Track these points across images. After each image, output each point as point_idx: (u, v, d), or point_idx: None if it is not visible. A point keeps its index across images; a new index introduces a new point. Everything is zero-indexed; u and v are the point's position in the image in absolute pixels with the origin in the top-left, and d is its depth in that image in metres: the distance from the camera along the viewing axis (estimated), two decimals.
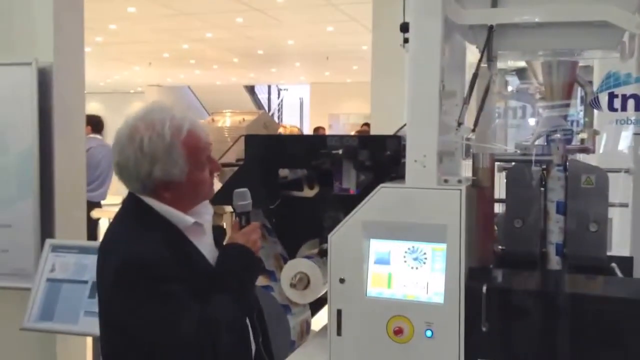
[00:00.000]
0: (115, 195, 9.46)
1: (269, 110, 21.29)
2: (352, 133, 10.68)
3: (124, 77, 16.54)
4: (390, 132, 2.46)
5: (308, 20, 9.06)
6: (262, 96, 22.01)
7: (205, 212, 1.71)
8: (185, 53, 12.46)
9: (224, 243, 1.76)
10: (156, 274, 1.47)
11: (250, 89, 20.69)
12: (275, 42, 11.22)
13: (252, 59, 13.37)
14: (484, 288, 1.94)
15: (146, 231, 1.55)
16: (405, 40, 2.11)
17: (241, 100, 19.47)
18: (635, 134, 2.44)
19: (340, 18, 8.64)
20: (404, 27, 2.09)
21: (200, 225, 1.66)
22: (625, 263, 2.36)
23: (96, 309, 1.60)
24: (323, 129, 13.24)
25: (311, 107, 19.09)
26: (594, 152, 2.27)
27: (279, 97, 22.63)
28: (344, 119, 18.32)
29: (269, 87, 22.12)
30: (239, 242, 1.69)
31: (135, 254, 1.49)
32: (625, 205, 2.45)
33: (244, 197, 1.76)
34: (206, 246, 1.68)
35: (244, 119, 9.51)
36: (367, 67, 14.86)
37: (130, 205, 1.63)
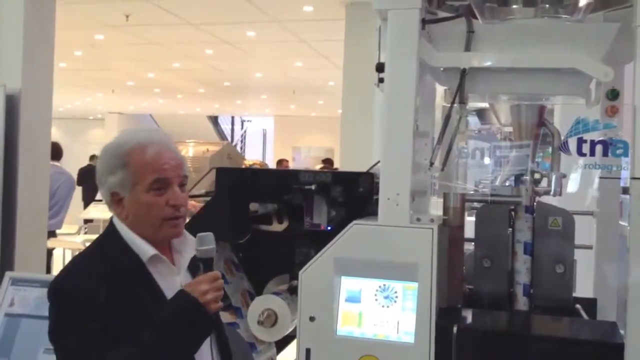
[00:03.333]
0: (71, 225, 9.23)
1: (232, 141, 21.23)
2: (317, 167, 10.73)
3: (85, 103, 16.30)
4: (358, 167, 2.47)
5: (278, 55, 9.13)
6: (225, 127, 21.96)
7: (185, 249, 1.63)
8: (150, 82, 12.37)
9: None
10: (75, 306, 1.44)
11: (214, 119, 20.63)
12: (243, 75, 11.25)
13: (219, 90, 13.37)
14: (455, 329, 1.94)
15: (96, 259, 1.53)
16: (380, 80, 2.14)
17: (204, 130, 19.38)
18: (600, 177, 2.51)
19: (310, 54, 8.74)
20: (380, 67, 2.12)
21: (161, 259, 1.56)
22: (589, 304, 2.40)
23: None
24: (286, 161, 13.28)
25: (275, 139, 19.14)
26: (560, 194, 2.32)
27: (242, 128, 22.62)
28: (305, 151, 18.43)
29: (232, 117, 22.10)
30: (186, 290, 1.49)
31: (63, 282, 1.50)
32: (589, 247, 2.50)
33: (204, 241, 1.54)
34: (174, 285, 1.56)
35: (207, 150, 9.46)
36: (333, 102, 15.06)
37: (106, 228, 1.61)
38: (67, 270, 1.55)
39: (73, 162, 14.62)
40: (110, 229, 1.58)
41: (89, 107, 17.09)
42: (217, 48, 8.62)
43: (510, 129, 4.07)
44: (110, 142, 1.60)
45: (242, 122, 22.47)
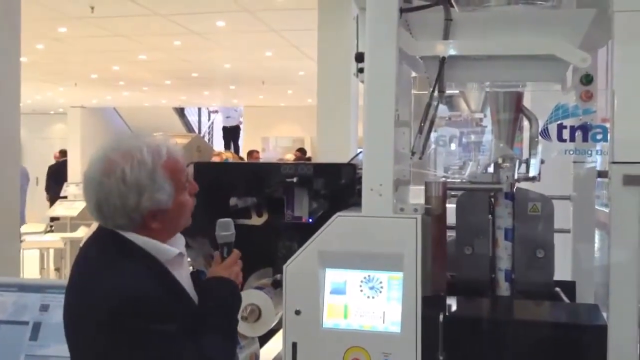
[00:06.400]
0: (38, 224, 8.99)
1: (199, 133, 20.98)
2: (289, 156, 10.70)
3: (46, 97, 15.83)
4: (336, 157, 2.46)
5: (247, 45, 9.00)
6: (192, 118, 21.70)
7: (179, 242, 1.60)
8: (115, 74, 12.11)
9: (207, 276, 1.66)
10: (155, 312, 1.37)
11: (180, 111, 20.37)
12: (211, 66, 11.08)
13: (186, 81, 13.16)
14: (441, 317, 1.95)
15: (133, 266, 1.43)
16: (360, 70, 2.12)
17: (170, 122, 19.11)
18: (574, 162, 2.55)
19: (280, 43, 8.64)
20: (359, 57, 2.10)
21: (182, 256, 1.56)
22: (568, 287, 2.44)
23: (38, 352, 1.48)
24: (257, 152, 13.20)
25: (244, 130, 18.97)
26: (539, 180, 2.35)
27: (209, 119, 22.36)
28: (273, 142, 18.37)
29: (199, 109, 21.85)
30: (222, 275, 1.61)
31: (132, 290, 1.38)
32: (567, 231, 2.54)
33: (226, 227, 1.69)
34: (185, 279, 1.57)
35: (176, 142, 9.37)
36: (302, 92, 14.97)
37: (105, 239, 1.48)
38: (113, 280, 1.41)
39: (36, 159, 14.30)
40: (119, 239, 1.47)
41: (50, 101, 16.62)
42: (186, 39, 8.48)
43: (480, 115, 4.10)
44: (131, 160, 1.43)
45: (209, 113, 22.22)
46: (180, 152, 1.55)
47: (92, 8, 6.43)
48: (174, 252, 1.51)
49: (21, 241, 5.98)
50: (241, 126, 16.40)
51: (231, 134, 16.62)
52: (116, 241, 1.47)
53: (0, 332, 1.99)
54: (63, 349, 1.51)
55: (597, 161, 2.51)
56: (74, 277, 1.51)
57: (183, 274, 1.58)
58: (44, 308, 2.01)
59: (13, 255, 3.21)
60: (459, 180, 2.51)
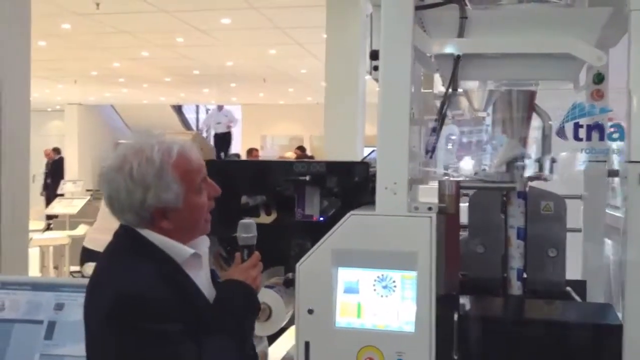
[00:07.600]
0: (36, 221, 8.92)
1: (197, 130, 20.95)
2: (289, 154, 10.69)
3: (43, 94, 15.81)
4: (343, 155, 2.44)
5: (251, 43, 8.99)
6: (190, 116, 21.68)
7: (202, 243, 1.60)
8: (115, 71, 12.09)
9: (222, 278, 1.65)
10: (154, 312, 1.37)
11: (178, 109, 20.33)
12: (213, 63, 11.06)
13: (186, 78, 13.14)
14: (455, 316, 1.94)
15: (142, 264, 1.44)
16: (375, 68, 2.11)
17: (168, 120, 19.09)
18: (584, 161, 2.54)
19: (285, 41, 8.62)
20: (374, 55, 2.09)
21: (198, 257, 1.55)
22: (579, 286, 2.44)
23: (54, 352, 1.47)
24: (257, 150, 13.18)
25: (243, 129, 18.95)
26: (551, 179, 2.34)
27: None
28: (270, 140, 18.35)
29: (197, 106, 21.82)
30: (237, 278, 1.58)
31: (132, 288, 1.39)
32: (578, 230, 2.54)
33: (248, 229, 1.67)
34: (203, 280, 1.56)
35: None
36: (303, 90, 14.93)
37: (124, 237, 1.51)
38: (120, 278, 1.43)
39: (32, 156, 14.23)
40: (135, 237, 1.49)
41: (48, 98, 16.60)
42: (189, 36, 8.46)
43: (483, 114, 4.07)
44: (140, 157, 1.44)
45: (207, 111, 22.19)
46: (195, 153, 1.52)
47: (98, 4, 6.41)
48: (188, 253, 1.50)
49: (30, 239, 5.96)
50: (232, 131, 15.27)
51: (222, 142, 14.95)
52: (131, 238, 1.49)
53: (15, 331, 1.96)
54: (78, 348, 1.51)
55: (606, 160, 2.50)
56: (92, 274, 1.53)
57: (202, 275, 1.57)
58: (59, 307, 2.00)
59: (22, 251, 3.19)
60: (470, 179, 2.49)
